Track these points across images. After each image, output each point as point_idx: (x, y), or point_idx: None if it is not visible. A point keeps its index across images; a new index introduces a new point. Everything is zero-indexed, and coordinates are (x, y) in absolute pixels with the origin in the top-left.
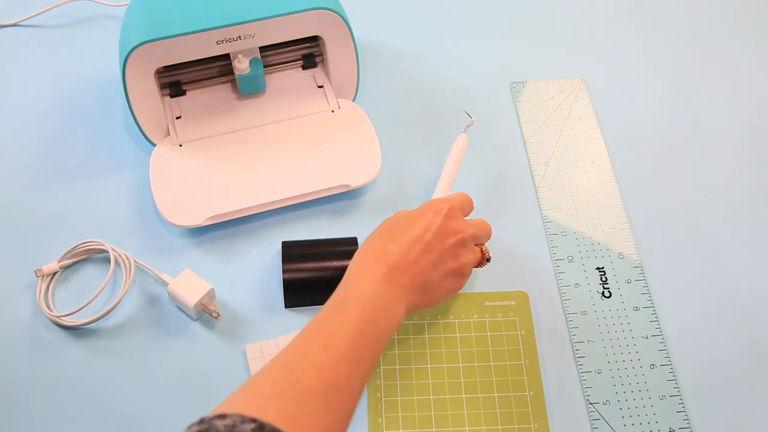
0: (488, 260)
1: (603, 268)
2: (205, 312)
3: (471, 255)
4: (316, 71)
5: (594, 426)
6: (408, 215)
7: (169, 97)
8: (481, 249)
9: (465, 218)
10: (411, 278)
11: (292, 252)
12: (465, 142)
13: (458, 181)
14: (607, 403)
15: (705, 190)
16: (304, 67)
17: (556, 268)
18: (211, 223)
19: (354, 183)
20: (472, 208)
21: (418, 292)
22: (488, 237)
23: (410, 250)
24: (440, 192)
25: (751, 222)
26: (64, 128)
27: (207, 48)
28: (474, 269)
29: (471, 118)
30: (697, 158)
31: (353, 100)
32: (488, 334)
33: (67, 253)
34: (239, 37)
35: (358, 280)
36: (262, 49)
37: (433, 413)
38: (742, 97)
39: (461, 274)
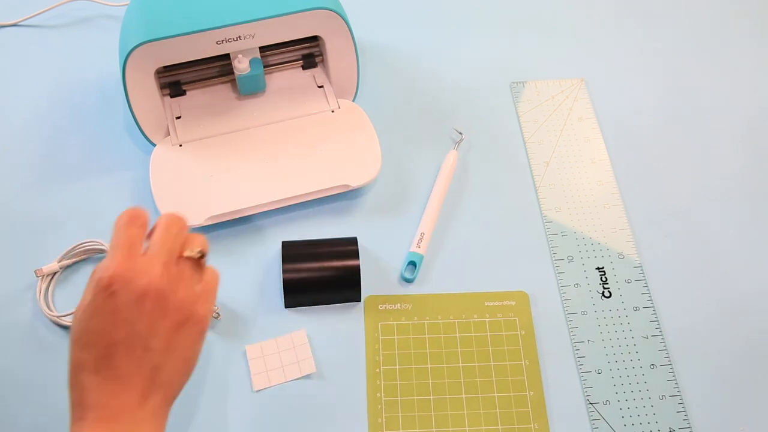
0: (202, 256)
1: (603, 268)
2: None
3: (183, 284)
4: (316, 71)
5: (594, 426)
6: (79, 324)
7: (169, 97)
8: (183, 256)
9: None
10: (136, 394)
11: (292, 252)
12: (455, 159)
13: (458, 183)
14: (607, 403)
15: (705, 190)
16: (304, 67)
17: (556, 268)
18: (211, 223)
19: (354, 183)
20: (143, 218)
21: (154, 392)
22: (180, 232)
23: (110, 368)
24: (430, 210)
25: (751, 222)
26: (64, 128)
27: (207, 48)
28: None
29: (461, 135)
30: (697, 158)
31: (353, 100)
32: (488, 334)
33: (67, 253)
34: (239, 37)
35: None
36: (262, 49)
37: (433, 413)
38: (742, 96)
39: (190, 312)
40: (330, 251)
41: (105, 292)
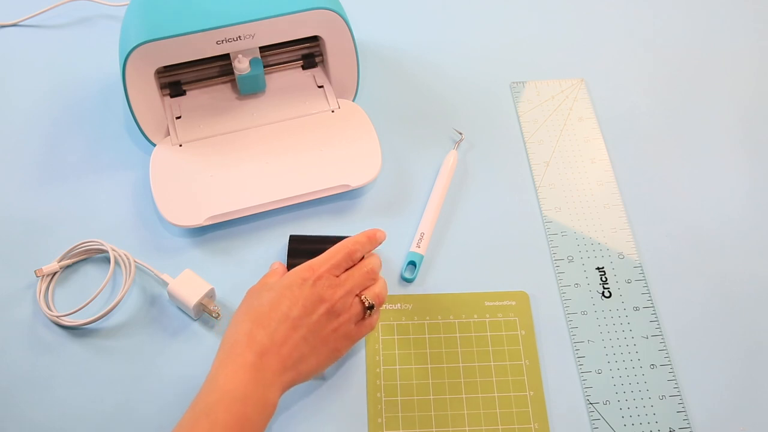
0: (370, 309)
1: (603, 268)
2: (205, 312)
3: (347, 316)
4: (316, 71)
5: (594, 426)
6: (271, 291)
7: (169, 97)
8: (360, 299)
9: (356, 264)
10: (282, 360)
11: (298, 247)
12: (455, 159)
13: (458, 183)
14: (607, 403)
15: (705, 190)
16: (304, 67)
17: (556, 268)
18: (211, 223)
19: (354, 183)
20: (357, 253)
21: (292, 370)
22: (374, 279)
23: (277, 331)
24: (430, 210)
25: (751, 222)
26: (64, 128)
27: (207, 48)
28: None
29: (461, 135)
30: (697, 158)
31: (353, 100)
32: (488, 334)
33: (67, 253)
34: (239, 37)
35: (224, 377)
36: (262, 49)
37: (433, 413)
38: (743, 97)
39: (340, 339)
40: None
41: (305, 283)
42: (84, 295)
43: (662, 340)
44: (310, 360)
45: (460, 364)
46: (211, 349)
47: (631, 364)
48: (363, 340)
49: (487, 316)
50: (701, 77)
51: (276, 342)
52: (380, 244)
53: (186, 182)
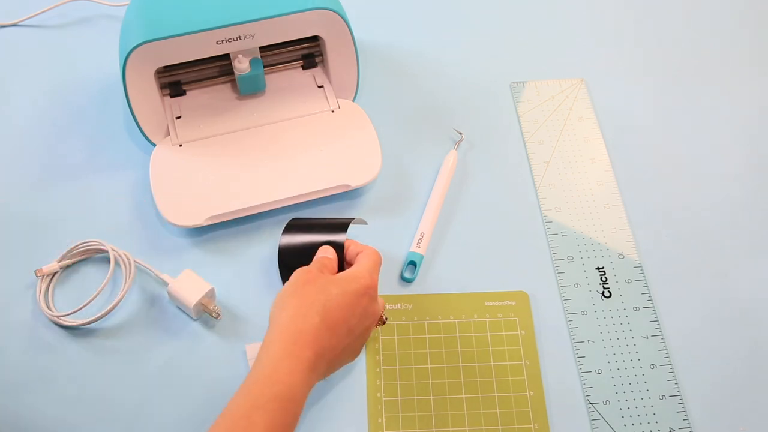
0: (383, 323)
1: (603, 268)
2: (205, 312)
3: (373, 327)
4: (316, 71)
5: (594, 426)
6: (344, 297)
7: (169, 97)
8: (381, 314)
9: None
10: (328, 364)
11: (292, 224)
12: (455, 159)
13: (458, 183)
14: (607, 403)
15: (705, 190)
16: (304, 67)
17: (556, 268)
18: (211, 223)
19: (354, 183)
20: None
21: (327, 373)
22: None
23: (340, 340)
24: (430, 210)
25: (751, 221)
26: (64, 128)
27: (207, 48)
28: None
29: (461, 135)
30: (697, 158)
31: (353, 100)
32: (488, 334)
33: (67, 253)
34: (239, 37)
35: (286, 372)
36: (262, 49)
37: (433, 413)
38: (741, 96)
39: (362, 346)
40: (325, 225)
41: (373, 298)
42: (84, 295)
43: (662, 340)
44: (339, 364)
45: (460, 364)
46: (211, 348)
47: (631, 364)
48: None
49: (487, 316)
50: (701, 77)
51: (334, 349)
52: None
53: (186, 182)
